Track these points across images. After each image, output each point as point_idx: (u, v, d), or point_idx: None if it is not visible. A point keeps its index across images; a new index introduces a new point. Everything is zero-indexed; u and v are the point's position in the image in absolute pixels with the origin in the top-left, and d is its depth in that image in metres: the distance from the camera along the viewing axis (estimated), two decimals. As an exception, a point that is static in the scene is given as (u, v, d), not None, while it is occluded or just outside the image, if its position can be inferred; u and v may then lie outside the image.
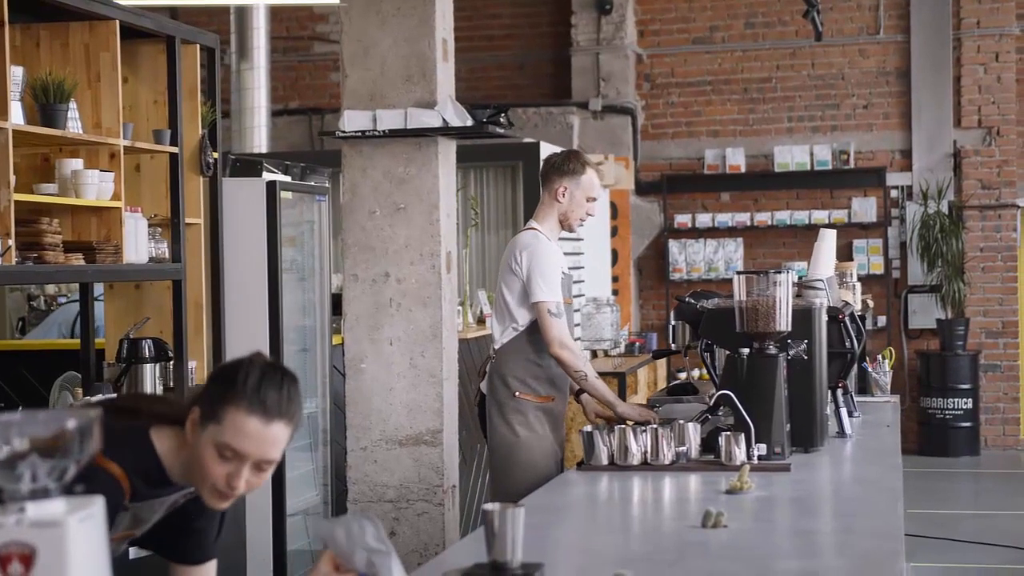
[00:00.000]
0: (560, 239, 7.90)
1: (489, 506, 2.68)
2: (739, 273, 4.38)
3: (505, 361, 5.13)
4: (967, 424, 11.99)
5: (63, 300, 8.06)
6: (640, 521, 3.70)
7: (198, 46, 5.79)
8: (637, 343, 10.47)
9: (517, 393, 5.08)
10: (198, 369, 5.78)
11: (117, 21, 5.09)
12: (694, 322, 4.84)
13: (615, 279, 12.10)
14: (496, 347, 5.20)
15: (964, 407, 11.95)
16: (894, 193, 12.49)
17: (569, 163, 5.19)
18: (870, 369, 6.28)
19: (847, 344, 4.91)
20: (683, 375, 10.08)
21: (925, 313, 12.33)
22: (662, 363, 10.69)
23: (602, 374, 8.84)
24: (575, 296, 8.83)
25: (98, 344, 5.66)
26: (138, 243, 5.21)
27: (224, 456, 2.53)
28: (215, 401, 2.55)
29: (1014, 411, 12.36)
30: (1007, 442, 12.33)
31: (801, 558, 3.03)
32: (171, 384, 5.54)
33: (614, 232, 12.15)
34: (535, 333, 5.04)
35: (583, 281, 10.24)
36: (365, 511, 2.43)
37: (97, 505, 1.75)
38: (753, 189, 12.68)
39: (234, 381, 2.54)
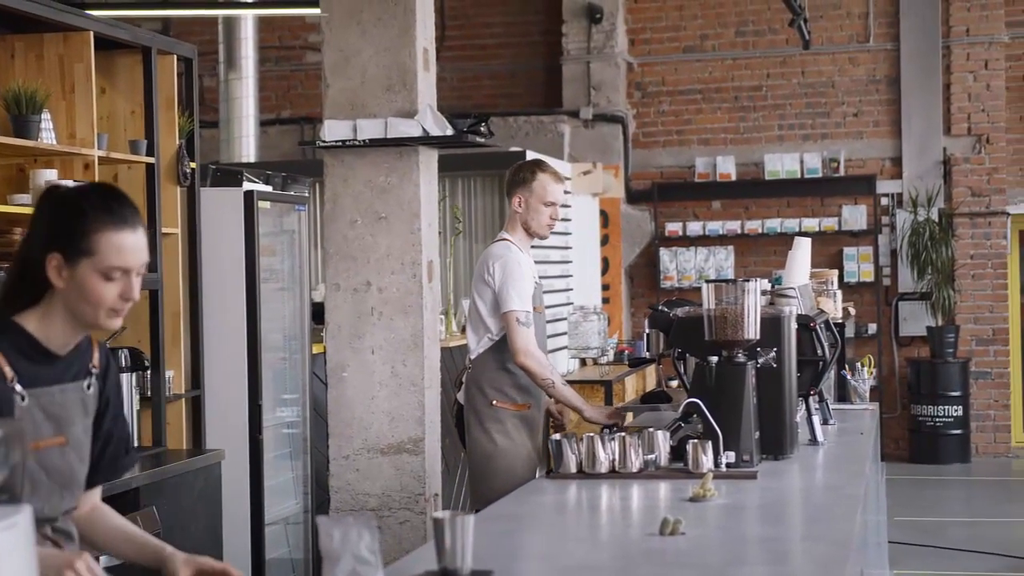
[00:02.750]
0: (544, 247, 7.93)
1: (439, 514, 2.70)
2: (708, 281, 4.40)
3: (481, 370, 5.21)
4: (958, 431, 12.00)
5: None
6: (601, 529, 3.72)
7: (175, 57, 5.81)
8: (626, 351, 10.48)
9: (494, 402, 5.14)
10: (175, 379, 5.79)
11: (91, 32, 5.11)
12: (667, 330, 4.85)
13: (606, 287, 12.11)
14: (472, 357, 5.27)
15: (955, 414, 11.96)
16: (884, 201, 12.50)
17: (519, 173, 5.29)
18: (849, 377, 6.28)
19: (819, 352, 4.92)
20: (674, 383, 10.08)
21: (915, 320, 12.33)
22: (651, 371, 10.70)
23: (589, 382, 8.93)
24: (551, 305, 8.87)
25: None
26: (113, 253, 5.22)
27: (111, 278, 2.64)
28: (76, 237, 2.62)
29: (1004, 418, 12.37)
30: (998, 449, 12.33)
31: (752, 564, 3.04)
32: (148, 394, 5.55)
33: (605, 240, 12.17)
34: None
35: (572, 290, 10.25)
36: (369, 518, 2.44)
37: (23, 514, 1.77)
38: (744, 197, 12.70)
39: (84, 212, 2.63)
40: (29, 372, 2.65)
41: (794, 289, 5.05)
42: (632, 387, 9.71)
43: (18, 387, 2.62)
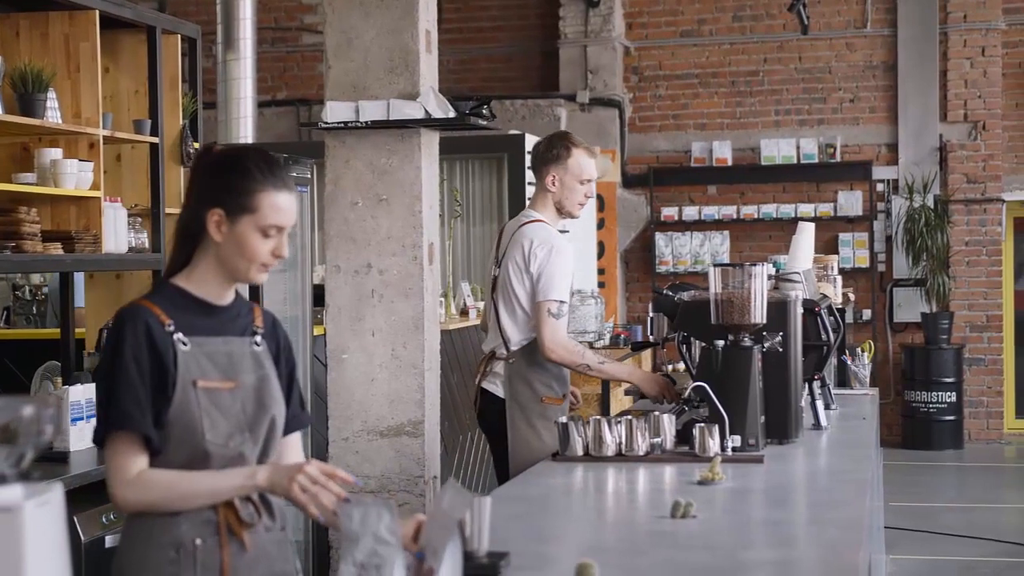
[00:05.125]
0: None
1: (456, 496, 2.70)
2: (715, 265, 4.39)
3: (528, 363, 4.98)
4: (951, 417, 12.04)
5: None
6: (611, 511, 3.73)
7: (179, 36, 5.80)
8: (623, 335, 10.49)
9: (544, 398, 4.97)
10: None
11: (97, 11, 5.09)
12: (672, 314, 4.84)
13: (601, 271, 12.12)
14: (513, 348, 5.01)
15: (948, 400, 12.00)
16: (880, 187, 12.52)
17: (553, 149, 5.04)
18: (849, 362, 6.30)
19: (823, 337, 4.92)
20: (669, 367, 10.10)
21: (910, 307, 12.37)
22: (647, 355, 10.72)
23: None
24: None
25: (78, 334, 5.66)
26: (117, 233, 5.22)
27: (268, 235, 2.80)
28: (240, 194, 2.78)
29: (997, 405, 12.41)
30: (990, 435, 12.38)
31: (765, 548, 3.05)
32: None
33: (601, 224, 12.18)
34: None
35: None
36: (387, 499, 2.45)
37: (55, 491, 1.77)
38: (740, 182, 12.71)
39: (250, 172, 2.79)
40: (187, 322, 2.80)
41: (799, 274, 5.06)
42: (629, 371, 9.71)
43: (178, 334, 2.76)
